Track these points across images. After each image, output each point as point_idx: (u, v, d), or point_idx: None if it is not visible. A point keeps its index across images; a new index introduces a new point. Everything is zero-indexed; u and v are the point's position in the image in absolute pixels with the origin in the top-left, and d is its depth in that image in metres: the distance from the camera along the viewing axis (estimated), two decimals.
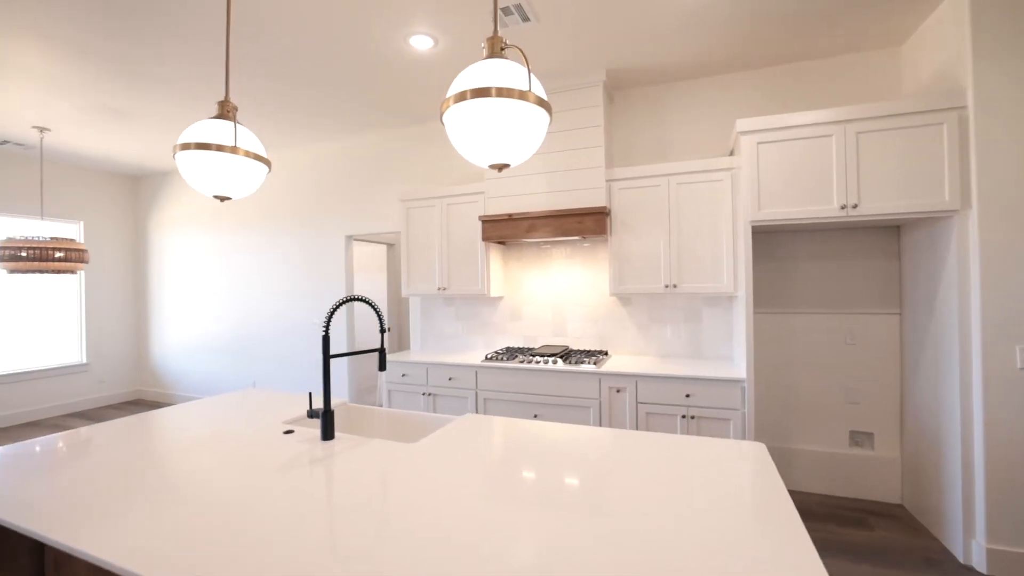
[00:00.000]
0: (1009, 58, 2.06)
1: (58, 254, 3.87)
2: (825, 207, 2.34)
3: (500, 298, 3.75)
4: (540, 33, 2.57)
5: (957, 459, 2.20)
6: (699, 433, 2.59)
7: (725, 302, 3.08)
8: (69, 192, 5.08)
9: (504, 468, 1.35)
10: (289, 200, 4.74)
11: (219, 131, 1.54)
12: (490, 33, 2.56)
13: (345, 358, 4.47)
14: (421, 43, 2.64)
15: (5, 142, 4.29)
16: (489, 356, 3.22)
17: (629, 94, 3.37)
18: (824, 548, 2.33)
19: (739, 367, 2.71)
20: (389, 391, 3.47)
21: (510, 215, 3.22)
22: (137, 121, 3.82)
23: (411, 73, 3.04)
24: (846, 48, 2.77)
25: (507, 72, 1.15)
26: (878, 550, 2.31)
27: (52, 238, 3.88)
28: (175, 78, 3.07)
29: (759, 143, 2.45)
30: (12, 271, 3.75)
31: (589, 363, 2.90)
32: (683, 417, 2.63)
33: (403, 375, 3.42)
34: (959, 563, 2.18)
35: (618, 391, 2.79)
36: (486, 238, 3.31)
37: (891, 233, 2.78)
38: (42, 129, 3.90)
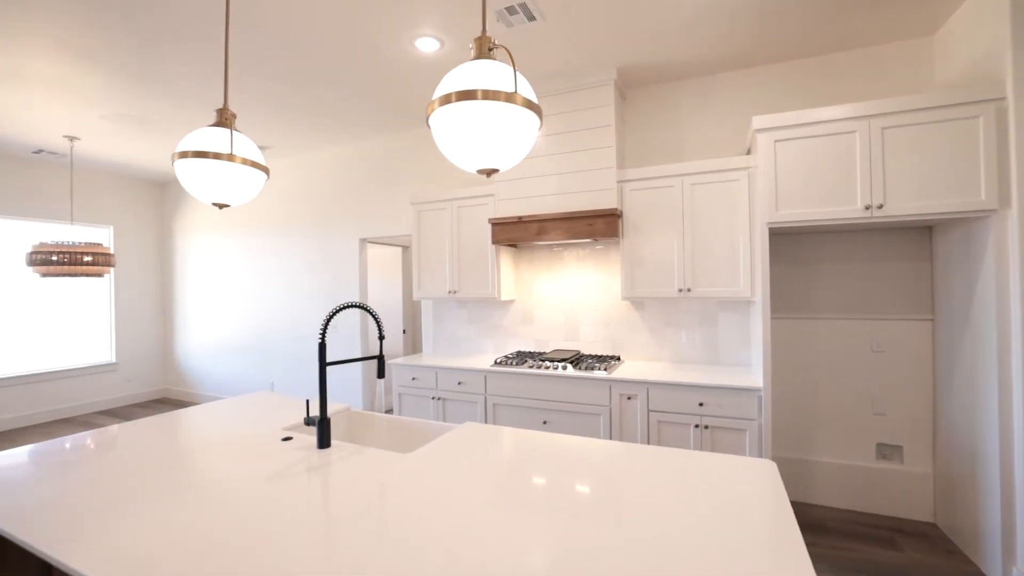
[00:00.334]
0: None
1: (87, 258, 4.02)
2: (848, 208, 2.21)
3: (511, 301, 3.71)
4: (547, 32, 2.51)
5: (996, 476, 2.05)
6: (713, 444, 2.49)
7: (742, 306, 2.96)
8: (99, 198, 5.29)
9: (498, 479, 1.30)
10: (305, 203, 4.82)
11: (217, 139, 1.54)
12: (492, 33, 2.52)
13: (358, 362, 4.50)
14: (427, 45, 2.62)
15: (40, 151, 4.48)
16: (498, 361, 3.18)
17: (642, 92, 3.27)
18: (847, 568, 2.21)
19: (756, 374, 2.59)
20: (399, 394, 3.47)
21: (519, 217, 3.17)
22: (160, 129, 3.93)
23: (418, 75, 3.03)
24: (872, 39, 2.62)
25: (495, 74, 1.10)
26: (907, 572, 2.17)
27: (85, 243, 4.04)
28: (195, 89, 3.14)
29: (776, 141, 2.34)
30: (44, 274, 3.91)
31: (600, 369, 2.83)
32: (696, 427, 2.53)
33: (413, 379, 3.41)
34: None
35: (629, 398, 2.71)
36: (496, 241, 3.28)
37: (922, 234, 2.61)
38: (72, 138, 4.06)
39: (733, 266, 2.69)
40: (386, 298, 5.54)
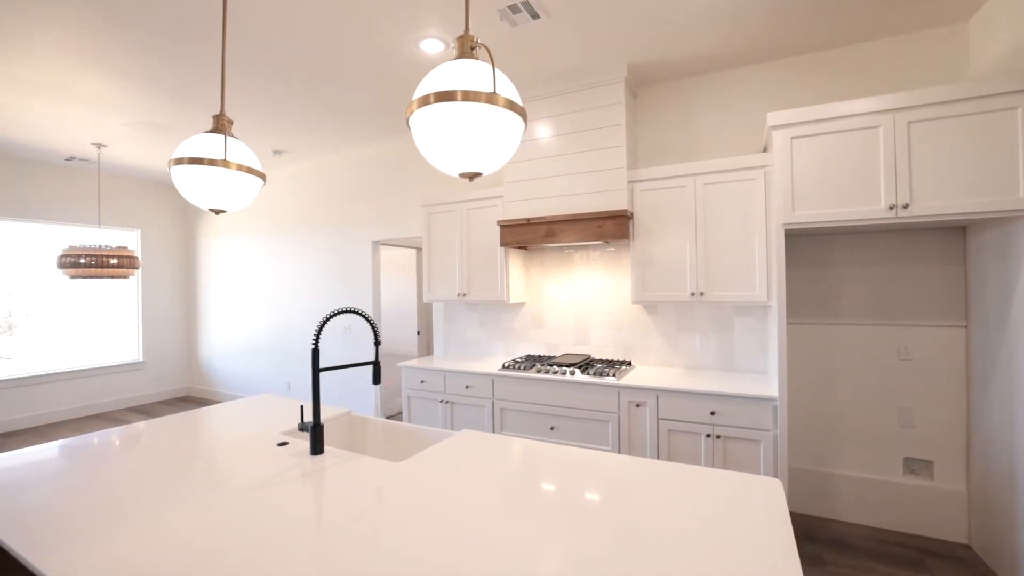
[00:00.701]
0: None
1: (113, 261, 4.17)
2: (870, 208, 2.08)
3: (522, 304, 3.66)
4: (552, 30, 2.46)
5: None
6: (725, 454, 2.39)
7: (759, 311, 2.83)
8: (127, 202, 5.49)
9: (488, 489, 1.26)
10: (321, 205, 4.88)
11: (212, 145, 1.55)
12: (495, 33, 2.48)
13: (371, 358, 4.53)
14: (432, 47, 2.60)
15: (72, 158, 4.68)
16: (506, 365, 3.14)
17: (654, 90, 3.18)
18: None
19: (773, 382, 2.48)
20: (408, 397, 3.47)
21: (528, 219, 3.12)
22: (180, 135, 4.04)
23: (423, 77, 3.02)
24: (900, 27, 2.47)
25: (477, 74, 1.06)
26: None
27: (112, 247, 4.19)
28: (213, 96, 3.21)
29: (793, 137, 2.22)
30: (73, 276, 4.07)
31: (609, 374, 2.76)
32: (708, 436, 2.43)
33: (422, 381, 3.40)
34: None
35: (638, 406, 2.63)
36: (504, 243, 3.24)
37: (955, 235, 2.44)
38: (99, 145, 4.21)
39: (748, 269, 2.58)
40: (401, 300, 5.57)
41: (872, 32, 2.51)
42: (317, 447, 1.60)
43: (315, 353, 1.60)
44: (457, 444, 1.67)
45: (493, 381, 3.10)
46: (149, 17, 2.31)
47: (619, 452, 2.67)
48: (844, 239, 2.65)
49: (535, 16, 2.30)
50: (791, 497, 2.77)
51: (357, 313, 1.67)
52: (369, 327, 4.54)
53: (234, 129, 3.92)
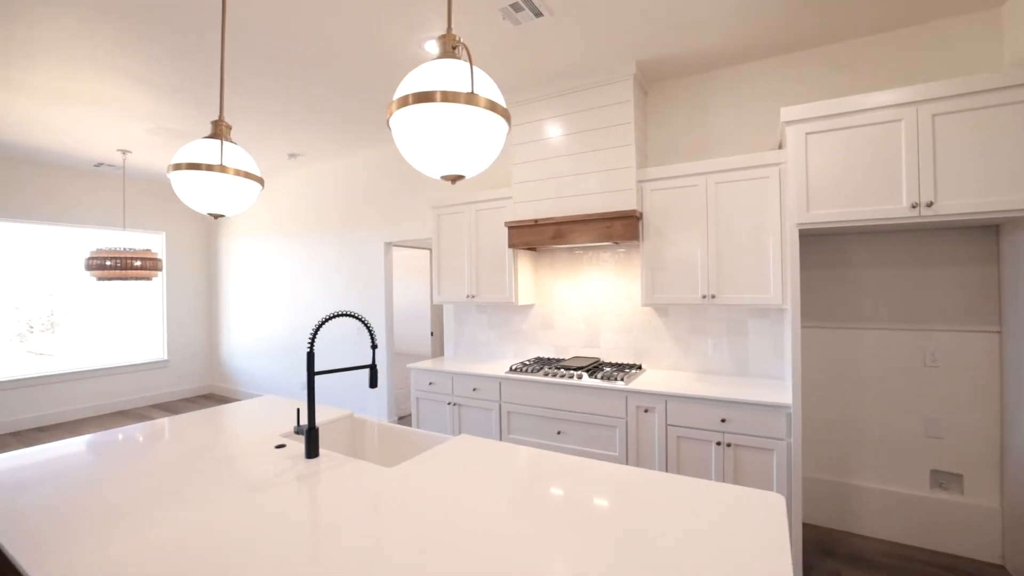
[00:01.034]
0: None
1: (137, 263, 4.31)
2: (890, 206, 1.97)
3: (531, 306, 3.62)
4: (556, 28, 2.41)
5: None
6: (737, 463, 2.30)
7: (774, 314, 2.72)
8: (153, 206, 5.68)
9: (477, 497, 1.23)
10: (337, 207, 4.94)
11: (211, 151, 1.57)
12: (498, 32, 2.45)
13: (384, 361, 4.57)
14: (436, 48, 2.58)
15: (100, 164, 4.86)
16: (514, 367, 3.10)
17: (665, 87, 3.10)
18: None
19: (788, 388, 2.37)
20: (417, 399, 3.47)
21: (535, 220, 3.09)
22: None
23: None
24: (927, 14, 2.33)
25: (457, 74, 1.03)
26: None
27: (136, 249, 4.34)
28: (229, 103, 3.28)
29: (808, 133, 2.12)
30: (100, 278, 4.23)
31: (617, 378, 2.69)
32: (718, 444, 2.34)
33: (430, 383, 3.40)
34: None
35: (646, 411, 2.56)
36: (512, 244, 3.20)
37: (986, 234, 2.29)
38: (124, 152, 4.36)
39: (762, 271, 2.48)
40: (416, 301, 5.60)
41: (895, 21, 2.38)
42: (312, 450, 1.60)
43: (310, 356, 1.60)
44: (452, 449, 1.65)
45: (500, 384, 3.07)
46: (170, 31, 2.36)
47: (627, 459, 2.61)
48: (865, 239, 2.52)
49: (538, 14, 2.27)
50: (808, 509, 2.66)
51: (354, 316, 1.67)
52: (385, 327, 4.58)
53: (250, 133, 4.00)
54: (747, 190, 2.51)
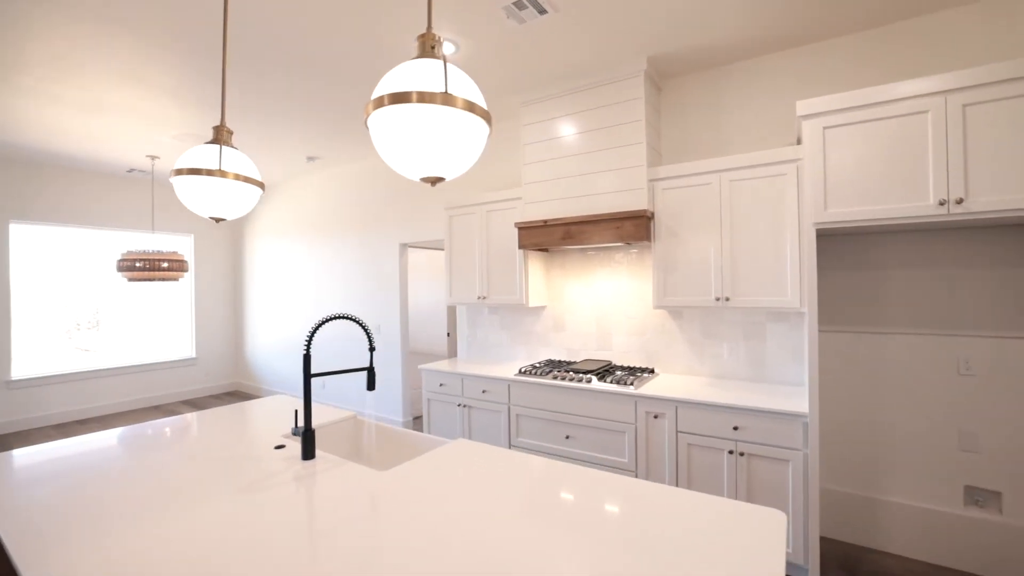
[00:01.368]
0: None
1: (164, 264, 4.48)
2: (916, 204, 1.84)
3: (543, 308, 3.58)
4: (562, 25, 2.37)
5: None
6: (750, 473, 2.20)
7: (793, 318, 2.60)
8: (181, 209, 5.90)
9: (467, 502, 1.21)
10: (354, 210, 5.02)
11: (211, 156, 1.60)
12: (503, 32, 2.42)
13: (399, 362, 4.61)
14: (443, 49, 2.58)
15: (132, 170, 5.08)
16: (523, 370, 3.07)
17: (679, 83, 3.00)
18: None
19: (806, 396, 2.26)
20: (428, 400, 3.48)
21: (544, 221, 3.04)
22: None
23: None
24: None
25: (435, 74, 1.01)
26: None
27: (169, 251, 4.52)
28: (250, 110, 3.37)
29: (826, 128, 2.01)
30: (130, 279, 4.42)
31: (628, 382, 2.63)
32: (731, 453, 2.25)
33: (440, 384, 3.40)
34: None
35: (655, 417, 2.48)
36: (522, 245, 3.17)
37: None
38: (152, 157, 4.54)
39: (779, 272, 2.37)
40: (434, 301, 5.63)
41: (922, 6, 2.22)
42: (308, 452, 1.61)
43: (306, 359, 1.61)
44: (446, 454, 1.63)
45: (509, 386, 3.04)
46: (184, 44, 2.43)
47: (636, 465, 2.54)
48: (890, 239, 2.37)
49: (542, 11, 2.22)
50: (828, 522, 2.52)
51: (350, 319, 1.67)
52: (400, 327, 4.62)
53: (270, 137, 4.10)
54: (763, 188, 2.40)
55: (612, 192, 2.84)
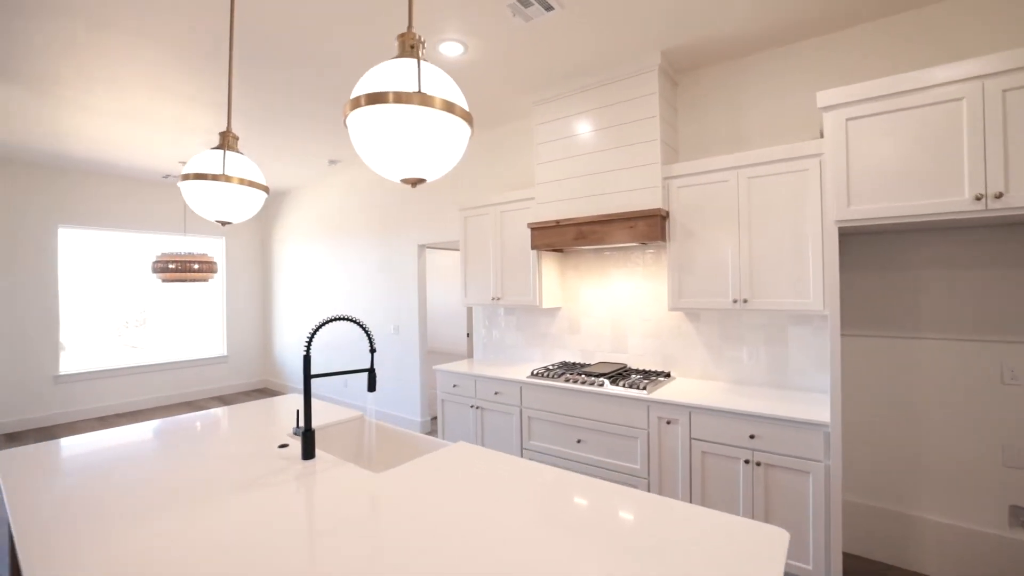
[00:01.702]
0: None
1: (195, 266, 4.67)
2: (948, 199, 1.70)
3: (558, 309, 3.53)
4: (570, 22, 2.32)
5: None
6: (768, 484, 2.10)
7: (817, 321, 2.46)
8: None
9: (461, 505, 1.19)
10: (374, 211, 5.10)
11: (217, 161, 1.64)
12: (509, 30, 2.39)
13: (416, 363, 4.64)
14: (451, 50, 2.58)
15: (168, 175, 5.33)
16: (535, 372, 3.03)
17: (697, 76, 2.89)
18: None
19: (828, 404, 2.13)
20: (443, 400, 3.49)
21: (557, 221, 3.00)
22: (251, 153, 4.43)
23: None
24: None
25: (414, 74, 1.00)
26: None
27: (199, 253, 4.72)
28: (271, 119, 3.48)
29: (848, 119, 1.89)
30: (164, 280, 4.62)
31: (641, 386, 2.55)
32: (747, 462, 2.15)
33: (454, 385, 3.40)
34: None
35: (668, 423, 2.40)
36: (535, 246, 3.14)
37: None
38: (183, 163, 4.74)
39: (801, 274, 2.25)
40: (455, 301, 5.66)
41: None
42: (308, 452, 1.63)
43: (306, 360, 1.63)
44: (445, 457, 1.62)
45: (521, 388, 3.01)
46: (217, 55, 2.52)
47: (648, 473, 2.46)
48: (921, 237, 2.21)
49: (548, 8, 2.18)
50: (853, 538, 2.38)
51: (351, 320, 1.68)
52: (418, 327, 4.66)
53: (294, 141, 4.20)
54: (783, 185, 2.28)
55: (626, 191, 2.77)
